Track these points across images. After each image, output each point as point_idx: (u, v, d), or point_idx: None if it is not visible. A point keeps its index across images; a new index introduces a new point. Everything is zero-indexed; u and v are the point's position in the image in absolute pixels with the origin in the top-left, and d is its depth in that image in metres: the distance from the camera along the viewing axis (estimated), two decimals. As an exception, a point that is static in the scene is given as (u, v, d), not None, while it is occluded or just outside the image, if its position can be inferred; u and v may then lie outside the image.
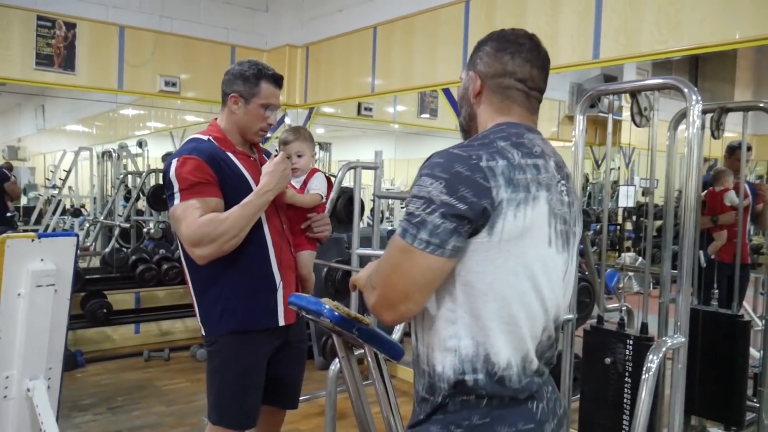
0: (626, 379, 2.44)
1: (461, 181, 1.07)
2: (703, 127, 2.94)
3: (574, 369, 2.67)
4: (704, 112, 2.87)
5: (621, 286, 6.95)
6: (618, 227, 8.26)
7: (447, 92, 3.72)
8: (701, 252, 4.44)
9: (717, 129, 2.81)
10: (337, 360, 2.66)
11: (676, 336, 2.24)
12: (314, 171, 2.27)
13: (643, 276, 2.99)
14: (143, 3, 4.70)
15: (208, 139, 1.96)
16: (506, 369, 1.13)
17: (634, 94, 2.36)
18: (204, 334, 1.98)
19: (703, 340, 2.89)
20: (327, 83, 4.78)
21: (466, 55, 3.50)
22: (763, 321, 3.08)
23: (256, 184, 1.93)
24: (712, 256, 4.26)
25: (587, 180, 8.89)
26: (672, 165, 3.06)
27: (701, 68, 9.33)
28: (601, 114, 7.49)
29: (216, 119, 2.05)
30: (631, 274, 7.07)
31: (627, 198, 7.61)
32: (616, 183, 8.51)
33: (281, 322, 1.99)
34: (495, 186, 1.08)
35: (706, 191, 4.35)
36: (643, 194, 8.38)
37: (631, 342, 2.43)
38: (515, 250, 1.10)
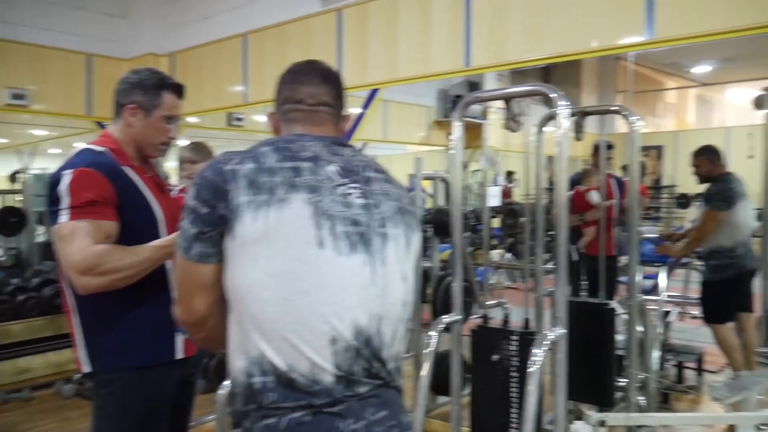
0: (512, 374, 2.55)
1: (205, 186, 1.14)
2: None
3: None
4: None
5: (492, 282, 7.31)
6: (485, 227, 8.67)
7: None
8: (573, 247, 4.79)
9: (578, 131, 3.02)
10: (227, 382, 2.55)
11: (556, 328, 2.37)
12: None
13: (512, 272, 3.19)
14: (-20, 8, 4.26)
15: (105, 150, 1.76)
16: (291, 373, 1.10)
17: (508, 100, 2.47)
18: (91, 372, 1.73)
19: (575, 329, 3.08)
20: (196, 93, 4.59)
21: (341, 63, 3.51)
22: (626, 307, 3.34)
23: (158, 204, 1.78)
24: (582, 251, 4.60)
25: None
26: (540, 166, 3.26)
27: (553, 72, 10.04)
28: (466, 119, 7.83)
29: (107, 130, 1.86)
30: (500, 270, 7.46)
31: (493, 198, 8.02)
32: (483, 184, 8.92)
33: (181, 355, 1.81)
34: (233, 189, 1.11)
35: (573, 190, 4.69)
36: (508, 194, 8.88)
37: (516, 338, 2.55)
38: (264, 252, 1.10)
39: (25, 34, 4.41)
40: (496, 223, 8.37)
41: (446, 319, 2.73)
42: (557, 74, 9.85)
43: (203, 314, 1.19)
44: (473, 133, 7.67)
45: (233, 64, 4.26)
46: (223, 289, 1.16)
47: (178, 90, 1.87)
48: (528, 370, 2.27)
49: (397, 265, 1.22)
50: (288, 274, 1.10)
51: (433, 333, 2.65)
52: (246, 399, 1.14)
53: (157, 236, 1.73)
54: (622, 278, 4.48)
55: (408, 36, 3.20)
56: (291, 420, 1.10)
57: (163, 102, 1.81)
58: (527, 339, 2.51)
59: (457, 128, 2.65)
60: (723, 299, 4.01)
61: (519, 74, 8.98)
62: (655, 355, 4.20)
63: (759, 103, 4.78)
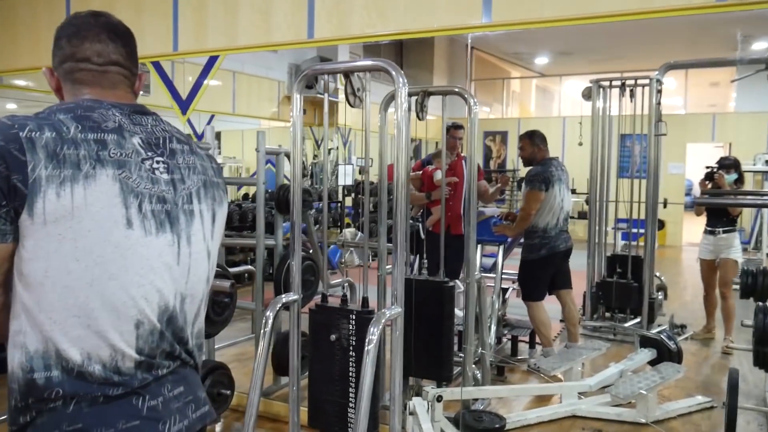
0: (351, 353, 2.51)
1: None
2: (409, 109, 3.17)
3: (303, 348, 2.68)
4: (410, 95, 3.09)
5: (343, 261, 7.32)
6: (339, 204, 8.68)
7: (157, 66, 3.42)
8: (419, 225, 4.88)
9: (421, 111, 3.03)
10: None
11: (393, 307, 2.36)
12: None
13: (362, 250, 3.17)
14: None
15: None
16: (86, 364, 1.03)
17: (347, 74, 2.41)
18: None
19: (416, 307, 3.12)
20: (10, 48, 4.07)
21: (176, 25, 3.25)
22: (464, 284, 3.44)
23: None
24: (430, 228, 4.69)
25: (314, 159, 9.16)
26: (384, 144, 3.24)
27: (406, 56, 10.19)
28: (318, 96, 7.73)
29: None
30: (352, 249, 7.49)
31: (345, 176, 8.03)
32: (335, 163, 8.90)
33: None
34: (32, 160, 0.99)
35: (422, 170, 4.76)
36: (360, 172, 8.94)
37: (354, 317, 2.51)
38: (69, 233, 1.01)
39: None
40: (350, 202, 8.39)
41: (284, 298, 2.64)
42: (411, 57, 10.03)
43: None
44: (329, 111, 7.57)
45: (54, 19, 3.80)
46: (13, 276, 1.03)
47: None
48: (364, 349, 2.24)
49: (203, 242, 1.19)
50: (95, 257, 1.02)
51: (269, 313, 2.55)
52: (24, 395, 1.04)
53: None
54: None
55: (249, 1, 3.03)
56: (79, 406, 1.03)
57: None
58: (365, 318, 2.48)
59: (296, 101, 2.54)
60: (535, 278, 4.27)
61: (371, 53, 9.03)
62: (492, 330, 4.42)
63: (587, 94, 5.15)
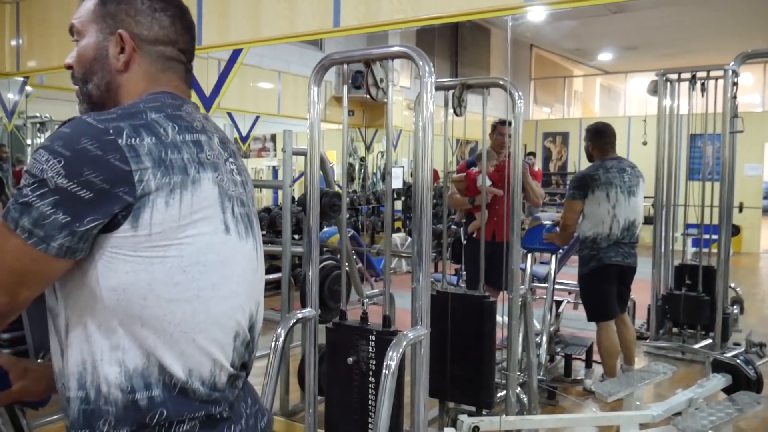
0: (370, 379, 2.23)
1: (88, 162, 0.88)
2: (446, 104, 2.86)
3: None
4: (446, 88, 2.78)
5: (392, 267, 7.05)
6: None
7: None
8: (461, 230, 4.54)
9: (459, 106, 2.72)
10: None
11: (417, 328, 2.08)
12: None
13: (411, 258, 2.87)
14: None
15: None
16: (190, 381, 0.97)
17: (368, 63, 2.13)
18: None
19: (450, 324, 2.82)
20: (42, 49, 3.99)
21: (200, 17, 3.04)
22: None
23: None
24: (474, 235, 4.35)
25: (362, 161, 8.95)
26: (424, 144, 2.93)
27: (461, 54, 9.81)
28: (367, 97, 7.50)
29: None
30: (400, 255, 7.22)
31: (395, 179, 7.76)
32: (385, 166, 8.65)
33: None
34: (138, 169, 0.90)
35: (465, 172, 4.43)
36: (411, 175, 8.67)
37: (374, 338, 2.23)
38: (175, 243, 0.94)
39: None
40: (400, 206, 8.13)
41: (299, 314, 2.39)
42: (466, 56, 9.68)
43: (20, 307, 0.97)
44: (377, 112, 7.34)
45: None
46: (86, 288, 0.93)
47: None
48: (382, 374, 1.96)
49: (262, 248, 1.15)
50: (200, 266, 0.97)
51: (280, 330, 2.30)
52: (122, 420, 0.95)
53: None
54: (522, 266, 4.30)
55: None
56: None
57: None
58: (385, 339, 2.19)
59: (312, 95, 2.29)
60: (590, 295, 3.85)
61: (422, 44, 8.73)
62: (543, 347, 4.04)
63: (653, 88, 4.69)
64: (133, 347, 0.95)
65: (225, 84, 3.15)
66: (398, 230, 8.26)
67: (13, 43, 4.17)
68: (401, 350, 1.98)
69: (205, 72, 3.30)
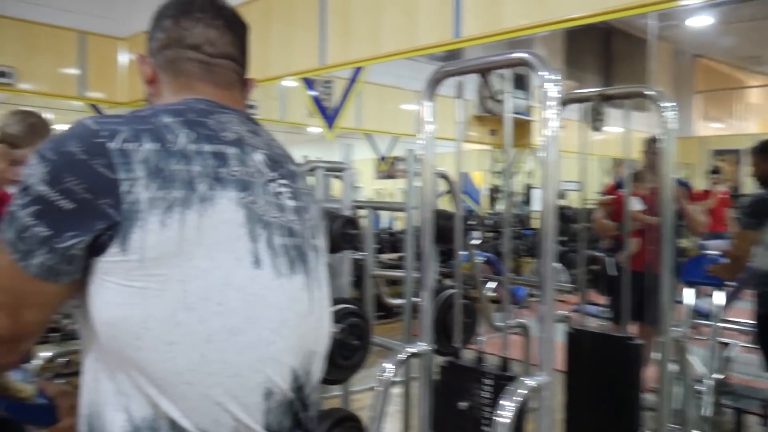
0: (483, 429, 1.97)
1: (70, 167, 0.76)
2: (596, 119, 2.54)
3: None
4: (581, 100, 2.47)
5: (534, 293, 6.64)
6: (535, 232, 7.99)
7: (308, 82, 3.21)
8: (611, 260, 4.10)
9: (596, 119, 2.39)
10: None
11: (537, 375, 1.79)
12: None
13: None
14: (-34, -19, 4.02)
15: None
16: None
17: (484, 74, 1.91)
18: None
19: (590, 367, 2.48)
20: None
21: (324, 41, 3.00)
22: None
23: None
24: (623, 265, 3.90)
25: (496, 187, 8.62)
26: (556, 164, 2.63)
27: (616, 68, 9.13)
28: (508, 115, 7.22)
29: None
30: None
31: (539, 201, 7.34)
32: (529, 186, 8.24)
33: None
34: (126, 179, 0.77)
35: (615, 195, 4.00)
36: (560, 197, 8.17)
37: (490, 382, 1.97)
38: (176, 274, 0.78)
39: (13, 8, 4.13)
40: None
41: (412, 348, 2.19)
42: (619, 70, 9.00)
43: (30, 331, 0.84)
44: (520, 130, 7.01)
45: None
46: (88, 319, 0.81)
47: None
48: (498, 421, 1.71)
49: (327, 286, 0.98)
50: (212, 305, 0.80)
51: (389, 365, 2.11)
52: None
53: None
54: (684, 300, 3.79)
55: (393, 3, 2.67)
56: None
57: None
58: (503, 384, 1.92)
59: (427, 110, 2.10)
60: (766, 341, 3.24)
61: (574, 68, 8.22)
62: (707, 398, 3.49)
63: None
64: (137, 395, 0.80)
65: (346, 102, 3.07)
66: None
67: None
68: (518, 399, 1.71)
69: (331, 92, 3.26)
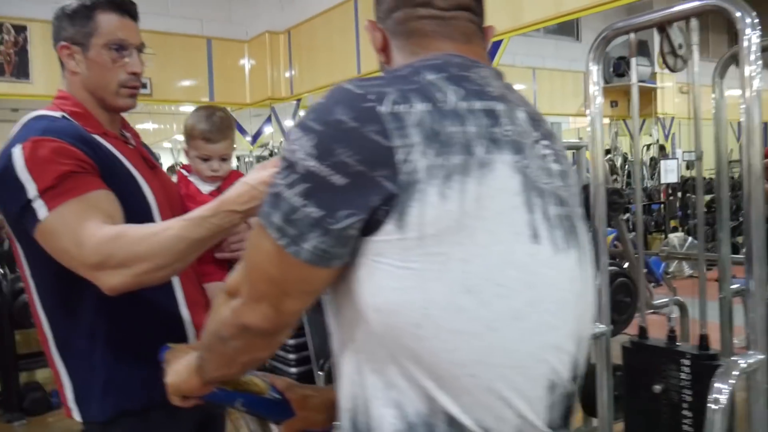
0: (685, 412, 1.81)
1: (340, 137, 0.68)
2: None
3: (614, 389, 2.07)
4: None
5: (669, 272, 6.24)
6: (662, 206, 7.53)
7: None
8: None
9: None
10: None
11: (750, 354, 1.62)
12: (235, 174, 1.67)
13: (696, 260, 2.36)
14: (104, -1, 4.26)
15: (62, 116, 1.27)
16: None
17: (663, 27, 1.74)
18: (81, 420, 1.26)
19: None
20: (310, 70, 4.25)
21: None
22: None
23: (148, 184, 1.28)
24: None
25: (625, 159, 8.19)
26: (721, 126, 2.40)
27: None
28: (630, 84, 6.86)
29: (63, 90, 1.34)
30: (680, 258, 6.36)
31: (668, 173, 6.86)
32: (654, 159, 7.77)
33: None
34: (402, 146, 0.68)
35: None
36: (687, 168, 7.65)
37: (687, 363, 1.81)
38: (457, 252, 0.69)
39: (144, 21, 4.32)
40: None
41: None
42: None
43: (288, 322, 0.80)
44: (644, 99, 6.61)
45: (345, 34, 3.81)
46: (351, 307, 0.75)
47: (118, 6, 1.30)
48: (707, 412, 1.56)
49: (591, 264, 0.85)
50: (493, 286, 0.71)
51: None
52: None
53: None
54: None
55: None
56: None
57: (98, 26, 1.27)
58: (704, 365, 1.76)
59: (593, 75, 1.96)
60: None
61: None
62: None
63: None
64: (409, 388, 0.73)
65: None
66: (675, 229, 7.35)
67: (287, 73, 4.52)
68: (732, 382, 1.55)
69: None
